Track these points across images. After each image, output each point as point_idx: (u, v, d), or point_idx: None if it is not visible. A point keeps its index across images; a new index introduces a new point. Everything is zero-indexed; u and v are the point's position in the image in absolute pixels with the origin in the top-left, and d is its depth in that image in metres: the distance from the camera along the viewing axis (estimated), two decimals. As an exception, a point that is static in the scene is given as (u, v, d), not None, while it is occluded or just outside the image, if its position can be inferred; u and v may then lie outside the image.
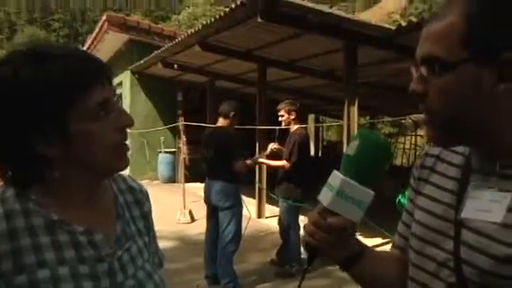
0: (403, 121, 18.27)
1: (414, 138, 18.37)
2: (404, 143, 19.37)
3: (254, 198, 7.93)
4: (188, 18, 28.73)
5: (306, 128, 5.17)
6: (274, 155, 5.08)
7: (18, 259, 0.78)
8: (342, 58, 6.11)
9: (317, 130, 20.63)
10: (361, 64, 6.40)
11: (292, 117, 4.94)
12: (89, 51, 12.50)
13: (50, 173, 0.84)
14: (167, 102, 12.64)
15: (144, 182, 11.93)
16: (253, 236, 6.14)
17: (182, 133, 8.26)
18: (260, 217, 7.87)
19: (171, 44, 8.65)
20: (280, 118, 5.01)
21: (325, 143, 20.84)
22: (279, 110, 5.00)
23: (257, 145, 7.84)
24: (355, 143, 0.87)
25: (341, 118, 6.18)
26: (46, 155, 0.82)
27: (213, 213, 4.60)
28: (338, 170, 0.88)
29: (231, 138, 4.47)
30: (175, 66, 9.96)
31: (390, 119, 17.84)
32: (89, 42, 14.04)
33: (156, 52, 9.61)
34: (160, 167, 12.40)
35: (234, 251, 4.46)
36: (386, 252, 1.16)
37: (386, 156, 0.90)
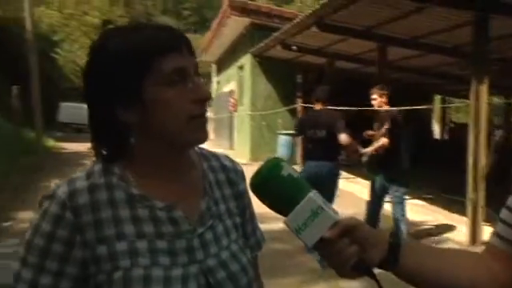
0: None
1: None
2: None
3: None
4: (312, 0, 28.54)
5: (397, 112, 5.21)
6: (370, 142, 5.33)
7: (100, 230, 0.83)
8: (471, 32, 5.64)
9: (443, 111, 19.43)
10: (493, 37, 5.84)
11: (383, 100, 5.15)
12: (213, 36, 13.18)
13: (130, 142, 0.89)
14: (287, 84, 12.77)
15: (263, 163, 12.44)
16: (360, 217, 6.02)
17: (300, 114, 8.30)
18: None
19: (289, 25, 8.70)
20: (373, 102, 5.21)
21: (452, 125, 19.55)
22: (372, 94, 5.20)
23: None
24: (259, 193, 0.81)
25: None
26: (125, 121, 0.86)
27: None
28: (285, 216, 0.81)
29: (338, 118, 4.92)
30: (294, 47, 10.01)
31: (529, 99, 16.15)
32: (214, 26, 14.67)
33: (275, 34, 9.73)
34: (279, 149, 12.62)
35: None
36: (451, 249, 0.98)
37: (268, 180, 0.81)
